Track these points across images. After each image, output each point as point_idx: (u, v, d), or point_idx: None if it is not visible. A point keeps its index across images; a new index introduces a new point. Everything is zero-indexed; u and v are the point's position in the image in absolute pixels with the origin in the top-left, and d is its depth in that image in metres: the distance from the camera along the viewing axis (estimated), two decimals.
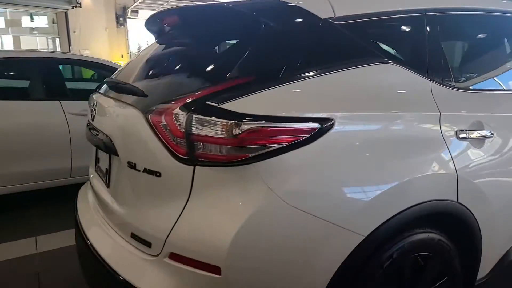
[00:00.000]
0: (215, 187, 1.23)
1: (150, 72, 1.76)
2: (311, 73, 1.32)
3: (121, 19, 17.30)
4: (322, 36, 1.41)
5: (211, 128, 1.19)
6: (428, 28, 1.62)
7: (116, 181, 1.60)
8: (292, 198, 1.21)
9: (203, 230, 1.23)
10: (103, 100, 1.75)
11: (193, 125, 1.21)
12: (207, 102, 1.22)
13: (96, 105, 1.76)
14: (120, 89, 1.66)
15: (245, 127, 1.17)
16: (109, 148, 1.58)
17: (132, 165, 1.41)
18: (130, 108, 1.45)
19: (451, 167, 1.50)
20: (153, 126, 1.31)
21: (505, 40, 2.02)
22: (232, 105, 1.20)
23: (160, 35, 1.95)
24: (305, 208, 1.22)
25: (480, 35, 2.03)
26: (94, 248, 1.55)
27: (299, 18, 1.42)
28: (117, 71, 2.15)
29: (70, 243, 2.18)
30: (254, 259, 1.20)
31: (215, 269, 1.19)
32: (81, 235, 1.70)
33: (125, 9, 17.19)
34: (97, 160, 1.90)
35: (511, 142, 1.74)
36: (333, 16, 1.43)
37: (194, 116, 1.20)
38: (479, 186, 1.60)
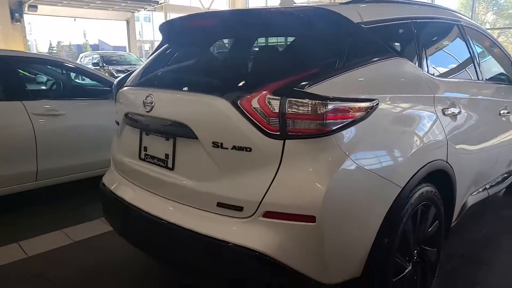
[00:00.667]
0: (303, 156, 1.56)
1: (213, 68, 2.01)
2: (354, 65, 1.72)
3: (16, 14, 15.81)
4: (357, 37, 1.83)
5: (302, 108, 1.52)
6: (415, 32, 2.15)
7: (187, 162, 1.83)
8: (359, 160, 1.60)
9: (297, 189, 1.55)
10: (165, 94, 1.95)
11: (287, 106, 1.52)
12: (294, 88, 1.55)
13: (153, 98, 1.93)
14: (186, 84, 1.91)
15: (329, 106, 1.53)
16: (182, 133, 1.80)
17: (217, 145, 1.67)
18: (212, 98, 1.70)
19: (444, 136, 2.05)
20: (242, 110, 1.59)
21: (466, 43, 2.68)
22: (314, 90, 1.55)
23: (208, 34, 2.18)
24: (368, 167, 1.63)
25: (445, 38, 2.66)
26: (176, 225, 1.76)
27: (341, 23, 1.81)
28: (139, 70, 2.32)
29: None
30: (338, 207, 1.57)
31: (311, 218, 1.52)
32: (150, 220, 1.87)
33: (21, 3, 15.73)
34: (144, 149, 2.07)
35: (472, 117, 2.38)
36: (361, 21, 1.85)
37: (288, 99, 1.52)
38: (457, 148, 2.18)
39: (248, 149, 1.61)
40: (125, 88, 2.26)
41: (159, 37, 2.44)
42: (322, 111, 1.53)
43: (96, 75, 4.23)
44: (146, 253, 2.19)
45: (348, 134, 1.60)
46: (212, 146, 1.69)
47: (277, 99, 1.54)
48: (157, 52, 2.37)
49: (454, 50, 2.68)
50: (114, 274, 2.50)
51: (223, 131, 1.67)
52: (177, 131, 1.84)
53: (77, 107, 3.84)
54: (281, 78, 1.61)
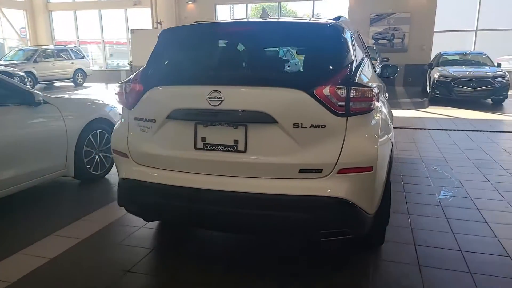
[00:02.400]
0: (359, 127, 2.26)
1: (270, 66, 2.46)
2: (360, 64, 2.52)
3: None
4: (352, 43, 2.62)
5: (359, 93, 2.22)
6: (361, 38, 3.10)
7: (261, 143, 2.26)
8: (383, 126, 2.42)
9: (359, 150, 2.24)
10: (237, 89, 2.32)
11: (350, 93, 2.19)
12: (350, 80, 2.23)
13: (222, 94, 2.25)
14: (259, 80, 2.36)
15: (374, 91, 2.27)
16: (256, 120, 2.23)
17: (298, 125, 2.20)
18: (291, 90, 2.23)
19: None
20: (318, 98, 2.18)
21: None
22: (359, 81, 2.27)
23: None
24: (384, 131, 2.46)
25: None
26: (261, 194, 2.20)
27: (347, 34, 2.56)
28: (171, 69, 2.57)
29: None
30: (380, 158, 2.33)
31: (370, 168, 2.25)
32: (231, 197, 2.25)
33: None
34: (201, 139, 2.35)
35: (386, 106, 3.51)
36: (354, 32, 2.66)
37: (351, 87, 2.20)
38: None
39: (323, 126, 2.21)
40: (164, 87, 2.45)
41: None
42: (371, 95, 2.26)
43: None
44: (222, 230, 2.62)
45: (377, 110, 2.39)
46: (293, 127, 2.21)
47: (343, 88, 2.20)
48: (175, 51, 2.63)
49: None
50: None
51: (302, 114, 2.21)
52: (251, 119, 2.25)
53: None
54: (334, 74, 2.26)
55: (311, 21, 2.69)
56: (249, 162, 2.29)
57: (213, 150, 2.35)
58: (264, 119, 2.23)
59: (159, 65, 2.68)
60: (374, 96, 2.26)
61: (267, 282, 2.45)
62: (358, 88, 2.22)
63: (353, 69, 2.38)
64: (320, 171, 2.23)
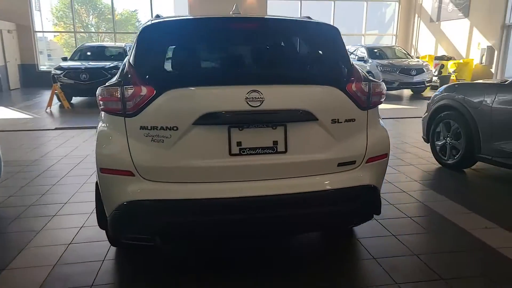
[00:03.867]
0: (375, 118, 2.46)
1: (302, 65, 2.36)
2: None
3: None
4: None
5: (378, 88, 2.40)
6: None
7: (301, 141, 2.22)
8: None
9: (379, 139, 2.43)
10: (276, 88, 2.19)
11: (371, 88, 2.36)
12: (364, 76, 2.40)
13: (262, 94, 2.10)
14: (297, 78, 2.31)
15: (384, 86, 2.50)
16: (297, 119, 2.18)
17: (335, 121, 2.25)
18: (327, 87, 2.26)
19: None
20: (349, 93, 2.28)
21: None
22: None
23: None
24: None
25: None
26: (303, 193, 2.18)
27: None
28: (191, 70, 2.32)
29: None
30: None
31: (386, 155, 2.48)
32: (274, 201, 2.15)
33: None
34: (237, 144, 2.14)
35: None
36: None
37: (372, 83, 2.37)
38: None
39: (353, 120, 2.32)
40: (189, 89, 2.12)
41: None
42: (383, 89, 2.47)
43: None
44: (264, 236, 2.53)
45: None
46: (331, 122, 2.25)
47: (366, 84, 2.35)
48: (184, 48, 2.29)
49: None
50: None
51: (338, 110, 2.27)
52: (292, 118, 2.18)
53: None
54: (352, 71, 2.39)
55: (316, 21, 2.72)
56: (291, 162, 2.22)
57: (250, 154, 2.18)
58: (305, 117, 2.20)
59: (164, 63, 2.30)
60: (384, 90, 2.49)
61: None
62: (376, 83, 2.41)
63: (356, 67, 2.55)
64: (354, 162, 2.34)
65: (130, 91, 2.12)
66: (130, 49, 2.48)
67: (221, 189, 2.16)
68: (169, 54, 2.40)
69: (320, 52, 2.58)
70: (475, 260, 2.68)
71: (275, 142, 2.20)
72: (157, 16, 2.68)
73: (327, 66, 2.45)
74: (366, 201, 2.39)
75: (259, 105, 2.12)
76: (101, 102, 2.21)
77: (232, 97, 2.13)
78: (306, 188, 2.22)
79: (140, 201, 2.13)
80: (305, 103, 2.21)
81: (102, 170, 2.20)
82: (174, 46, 2.44)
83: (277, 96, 2.17)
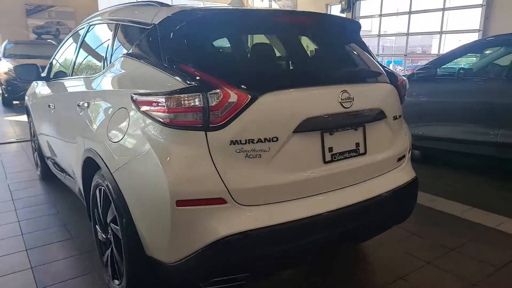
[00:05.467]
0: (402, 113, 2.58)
1: (358, 62, 2.23)
2: None
3: None
4: None
5: (407, 84, 2.52)
6: None
7: (375, 141, 2.14)
8: None
9: (409, 133, 2.55)
10: (361, 87, 2.08)
11: (405, 83, 2.47)
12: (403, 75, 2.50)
13: (351, 93, 1.94)
14: (368, 76, 2.22)
15: None
16: (373, 118, 2.11)
17: (395, 117, 2.27)
18: (389, 85, 2.26)
19: None
20: (399, 89, 2.33)
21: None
22: None
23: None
24: None
25: None
26: (380, 195, 2.13)
27: None
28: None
29: None
30: None
31: (411, 146, 2.64)
32: (357, 210, 2.01)
33: None
34: (329, 150, 1.93)
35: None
36: None
37: (405, 79, 2.47)
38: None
39: (400, 116, 2.39)
40: (287, 91, 1.80)
41: None
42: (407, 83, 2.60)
43: None
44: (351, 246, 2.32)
45: None
46: (393, 119, 2.26)
47: (405, 80, 2.45)
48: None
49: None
50: None
51: (396, 106, 2.29)
52: (370, 118, 2.09)
53: None
54: (384, 68, 2.44)
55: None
56: (371, 163, 2.13)
57: (340, 159, 2.00)
58: (379, 116, 2.15)
59: (242, 60, 1.88)
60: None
61: None
62: (405, 79, 2.53)
63: None
64: (404, 156, 2.41)
65: (216, 98, 1.67)
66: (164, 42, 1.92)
67: (321, 202, 1.91)
68: (242, 48, 1.99)
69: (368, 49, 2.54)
70: None
71: (357, 144, 2.08)
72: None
73: (378, 63, 2.43)
74: (416, 192, 2.45)
75: (350, 106, 1.97)
76: (167, 114, 1.68)
77: (327, 99, 1.92)
78: (385, 187, 2.17)
79: (239, 234, 1.71)
80: (380, 102, 2.17)
81: (179, 203, 1.67)
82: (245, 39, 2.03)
83: (362, 96, 2.05)
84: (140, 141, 1.81)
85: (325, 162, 1.94)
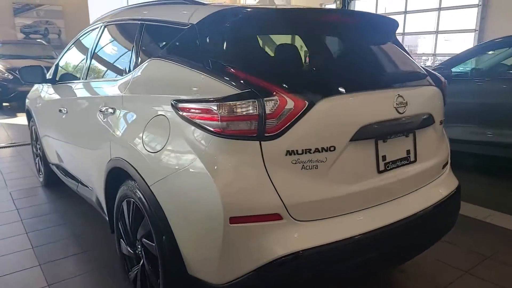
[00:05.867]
0: None
1: (399, 63, 2.13)
2: None
3: None
4: None
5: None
6: None
7: (424, 147, 2.03)
8: None
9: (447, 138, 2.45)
10: (413, 90, 1.96)
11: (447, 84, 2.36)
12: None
13: (405, 98, 1.83)
14: (415, 79, 2.07)
15: None
16: (423, 124, 1.99)
17: (441, 122, 2.16)
18: (436, 88, 2.14)
19: None
20: (442, 92, 2.22)
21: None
22: None
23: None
24: None
25: None
26: (434, 204, 2.01)
27: None
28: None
29: None
30: None
31: None
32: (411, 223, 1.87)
33: None
34: (382, 158, 1.80)
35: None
36: None
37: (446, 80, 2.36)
38: None
39: (444, 120, 2.27)
40: (343, 96, 1.66)
41: None
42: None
43: None
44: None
45: None
46: (439, 124, 2.15)
47: (446, 81, 2.33)
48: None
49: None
50: None
51: (441, 110, 2.17)
52: (420, 123, 1.98)
53: None
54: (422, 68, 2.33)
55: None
56: (421, 171, 2.01)
57: (393, 168, 1.88)
58: (429, 121, 2.04)
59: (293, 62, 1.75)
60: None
61: None
62: (446, 81, 2.42)
63: None
64: (447, 163, 2.30)
65: (273, 105, 1.53)
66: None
67: (377, 216, 1.78)
68: (292, 50, 1.85)
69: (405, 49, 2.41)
70: None
71: (408, 152, 1.96)
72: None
73: (418, 64, 2.31)
74: (460, 200, 2.30)
75: (404, 111, 1.85)
76: (219, 123, 1.53)
77: (383, 104, 1.79)
78: (436, 196, 2.05)
79: (296, 253, 1.57)
80: (429, 106, 2.05)
81: (232, 220, 1.53)
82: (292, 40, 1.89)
83: (414, 100, 1.93)
84: (185, 152, 1.65)
85: (379, 171, 1.82)
